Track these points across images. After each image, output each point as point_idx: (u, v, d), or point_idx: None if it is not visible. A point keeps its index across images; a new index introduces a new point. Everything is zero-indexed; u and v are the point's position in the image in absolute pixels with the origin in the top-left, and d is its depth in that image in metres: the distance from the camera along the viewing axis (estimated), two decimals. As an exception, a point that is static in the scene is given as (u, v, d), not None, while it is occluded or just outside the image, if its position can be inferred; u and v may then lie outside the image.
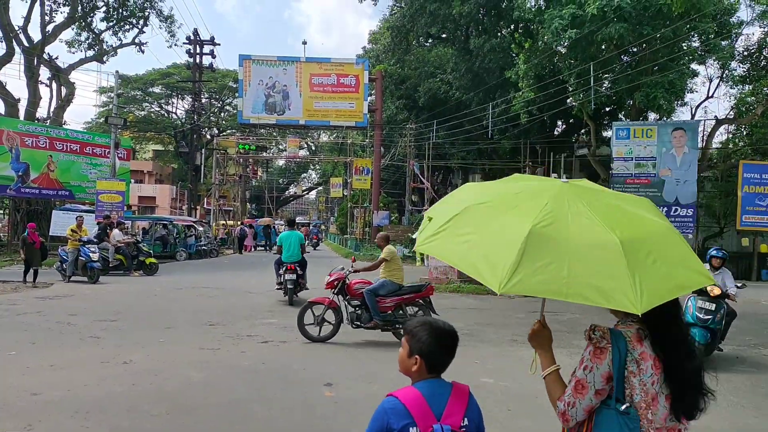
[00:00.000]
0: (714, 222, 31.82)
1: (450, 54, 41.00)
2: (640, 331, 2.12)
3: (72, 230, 15.90)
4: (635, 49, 28.14)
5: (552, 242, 1.95)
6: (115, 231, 17.82)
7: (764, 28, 27.31)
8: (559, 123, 39.83)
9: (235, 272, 21.02)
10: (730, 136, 33.01)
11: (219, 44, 32.22)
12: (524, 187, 2.32)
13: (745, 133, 31.91)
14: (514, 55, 33.69)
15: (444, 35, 39.15)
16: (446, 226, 2.20)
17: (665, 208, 27.49)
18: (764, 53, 28.24)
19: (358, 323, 8.97)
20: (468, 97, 36.39)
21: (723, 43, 28.21)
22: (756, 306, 16.14)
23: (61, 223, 22.68)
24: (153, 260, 18.56)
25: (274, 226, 40.74)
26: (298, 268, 13.05)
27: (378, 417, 2.07)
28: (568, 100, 32.61)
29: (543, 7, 28.10)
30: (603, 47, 27.70)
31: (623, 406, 2.08)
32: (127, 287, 15.13)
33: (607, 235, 1.97)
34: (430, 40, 43.09)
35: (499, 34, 35.59)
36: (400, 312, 9.10)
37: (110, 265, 17.64)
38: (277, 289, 13.66)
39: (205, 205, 46.26)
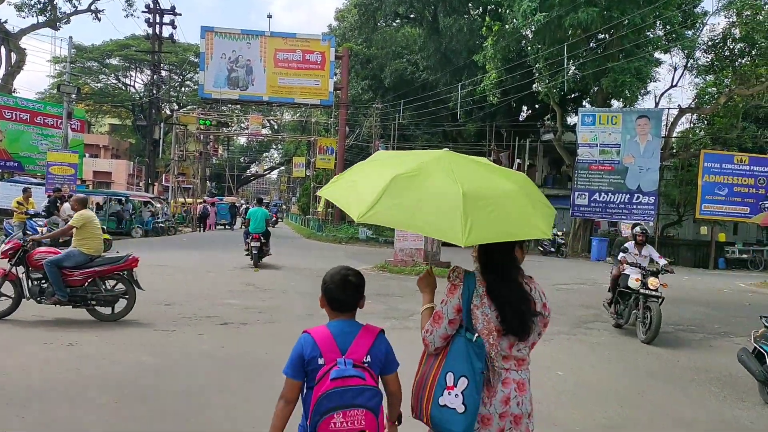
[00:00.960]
0: (673, 210, 32.30)
1: (418, 34, 40.49)
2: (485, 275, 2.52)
3: (18, 202, 14.97)
4: (603, 36, 28.11)
5: (409, 188, 2.42)
6: (66, 205, 16.88)
7: (729, 18, 27.51)
8: (525, 108, 39.83)
9: (193, 250, 20.29)
10: (692, 125, 33.43)
11: (180, 14, 31.03)
12: (417, 153, 2.79)
13: (705, 122, 32.36)
14: (482, 37, 33.41)
15: (412, 15, 38.56)
16: (342, 177, 2.81)
17: (628, 195, 27.72)
18: (728, 44, 28.46)
19: (41, 298, 8.01)
20: (435, 78, 36.01)
21: (688, 33, 28.44)
22: (719, 294, 16.25)
23: (8, 195, 21.51)
24: (106, 236, 17.68)
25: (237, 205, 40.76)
26: (262, 238, 15.72)
27: (296, 348, 2.41)
28: (534, 85, 32.51)
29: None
30: (571, 32, 27.57)
31: (474, 336, 2.42)
32: (77, 264, 14.35)
33: (454, 187, 2.41)
34: (397, 20, 42.46)
35: (467, 15, 35.18)
36: (95, 287, 8.15)
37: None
38: (246, 254, 16.10)
39: (163, 182, 44.93)
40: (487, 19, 29.73)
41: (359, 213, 2.36)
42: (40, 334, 7.23)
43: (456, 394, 2.39)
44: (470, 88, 31.27)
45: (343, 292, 2.51)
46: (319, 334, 2.42)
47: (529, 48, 31.00)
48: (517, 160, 36.89)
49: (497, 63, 28.21)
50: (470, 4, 35.68)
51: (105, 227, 18.48)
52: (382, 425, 2.42)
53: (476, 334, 2.43)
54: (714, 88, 30.14)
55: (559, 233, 28.08)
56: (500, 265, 2.54)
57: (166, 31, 33.97)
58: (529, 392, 2.55)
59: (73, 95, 23.07)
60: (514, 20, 28.64)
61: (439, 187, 2.47)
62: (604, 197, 27.99)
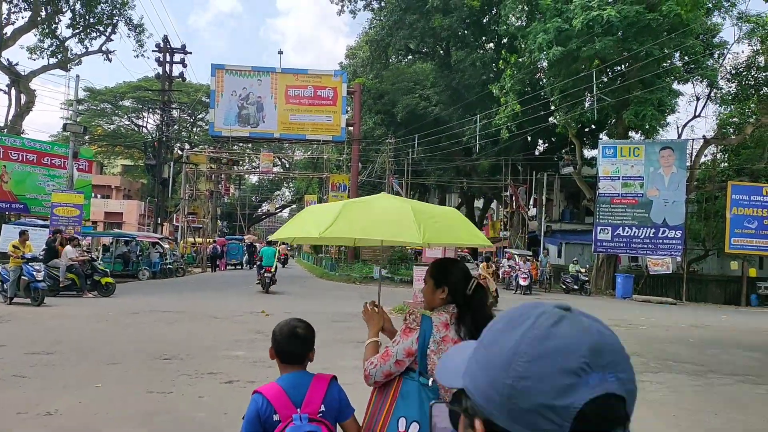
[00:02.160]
0: (696, 245, 31.04)
1: (429, 69, 40.10)
2: (449, 320, 2.52)
3: (14, 246, 14.14)
4: (620, 67, 27.41)
5: (361, 208, 2.87)
6: (68, 248, 16.09)
7: (753, 46, 26.77)
8: (540, 142, 39.06)
9: (201, 293, 19.36)
10: (714, 157, 32.38)
11: (190, 53, 30.76)
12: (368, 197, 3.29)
13: (729, 153, 31.33)
14: (495, 70, 32.84)
15: (424, 50, 38.23)
16: (291, 221, 3.28)
17: (653, 230, 26.61)
18: (752, 72, 27.68)
19: None
20: (447, 113, 35.43)
21: (709, 62, 27.67)
22: (758, 334, 14.99)
23: (12, 238, 20.77)
24: (109, 280, 16.83)
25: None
26: (272, 270, 20.12)
27: (249, 409, 2.37)
28: (552, 118, 31.77)
29: (527, 22, 27.25)
30: (587, 64, 26.91)
31: (429, 381, 2.44)
32: (75, 311, 13.44)
33: (402, 204, 2.91)
34: (409, 56, 42.21)
35: (480, 49, 34.73)
36: None
37: (60, 285, 15.91)
38: (257, 283, 20.68)
39: (174, 222, 44.30)
40: (503, 52, 29.16)
41: (319, 231, 2.61)
42: (15, 400, 6.26)
43: None
44: (484, 122, 30.56)
45: (292, 345, 2.51)
46: (270, 391, 2.41)
47: (544, 81, 30.37)
48: (534, 195, 35.95)
49: (514, 96, 27.50)
50: (483, 38, 35.26)
51: (108, 270, 17.66)
52: None
53: (431, 379, 2.42)
54: (736, 119, 29.25)
55: (582, 270, 26.90)
56: (479, 312, 2.53)
57: (177, 70, 33.73)
58: None
59: (81, 134, 22.47)
60: (529, 53, 28.09)
61: (388, 206, 2.85)
62: (628, 231, 26.89)
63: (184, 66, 33.35)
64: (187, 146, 52.17)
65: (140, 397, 6.58)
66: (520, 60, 28.81)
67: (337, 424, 2.47)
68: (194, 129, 59.70)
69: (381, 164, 36.34)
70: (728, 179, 29.27)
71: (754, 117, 27.80)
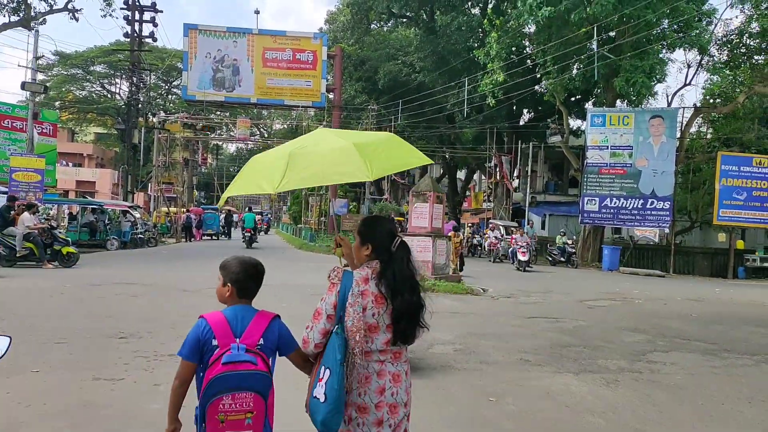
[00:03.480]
0: (680, 216, 30.53)
1: (413, 35, 38.77)
2: (370, 274, 2.61)
3: (-38, 212, 12.93)
4: (612, 33, 26.41)
5: (306, 155, 2.82)
6: (24, 215, 14.87)
7: (745, 12, 25.88)
8: (525, 111, 38.09)
9: (172, 264, 18.26)
10: (699, 127, 31.72)
11: (161, 11, 29.09)
12: (295, 140, 3.18)
13: (714, 124, 30.68)
14: (482, 35, 31.65)
15: (407, 14, 36.83)
16: (239, 176, 3.11)
17: (641, 201, 25.93)
18: (743, 39, 26.84)
19: None
20: (431, 79, 34.25)
21: (699, 30, 26.75)
22: (759, 308, 14.35)
23: (-31, 205, 19.40)
24: (71, 249, 15.65)
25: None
26: (252, 231, 25.47)
27: (192, 331, 2.53)
28: (540, 84, 30.79)
29: (515, -17, 26.06)
30: (579, 29, 25.89)
31: (336, 328, 2.54)
32: (29, 282, 12.31)
33: (344, 143, 2.86)
34: (391, 21, 40.74)
35: (466, 13, 33.46)
36: None
37: (17, 255, 14.74)
38: (243, 241, 25.96)
39: (149, 191, 42.84)
40: (489, 11, 27.92)
41: (273, 187, 2.68)
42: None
43: (321, 385, 2.49)
44: (465, 88, 29.49)
45: (252, 279, 2.68)
46: (214, 318, 2.52)
47: (532, 47, 29.30)
48: (519, 167, 35.16)
49: (500, 62, 26.41)
50: (470, 2, 33.96)
51: (69, 239, 16.49)
52: (271, 407, 2.53)
53: (338, 326, 2.55)
54: (724, 88, 28.51)
55: (569, 241, 26.22)
56: (399, 269, 2.65)
57: (147, 29, 31.94)
58: (404, 382, 2.66)
59: (41, 93, 20.96)
60: (517, 17, 26.94)
61: (330, 148, 2.89)
62: (615, 203, 26.20)
63: (155, 25, 31.59)
64: (162, 114, 50.40)
65: (84, 383, 5.59)
66: (508, 25, 27.68)
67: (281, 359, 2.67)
68: (169, 96, 57.79)
69: (363, 131, 35.18)
70: (716, 150, 28.68)
71: (743, 85, 27.06)
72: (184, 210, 35.82)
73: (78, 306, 9.81)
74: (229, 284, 2.63)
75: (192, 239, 32.75)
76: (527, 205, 32.59)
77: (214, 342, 2.45)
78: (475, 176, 44.58)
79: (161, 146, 34.77)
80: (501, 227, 26.71)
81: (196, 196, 60.09)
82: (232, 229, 40.63)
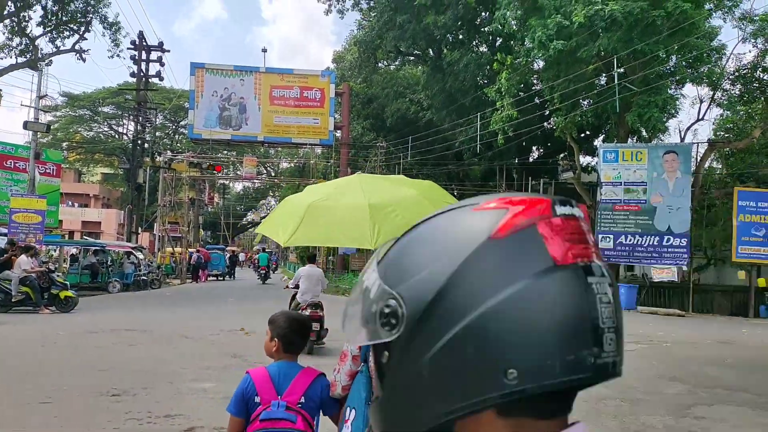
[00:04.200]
0: (695, 253, 29.71)
1: (420, 73, 38.75)
2: None
3: (-45, 256, 12.37)
4: (621, 70, 26.13)
5: (323, 210, 2.82)
6: (21, 258, 14.30)
7: (758, 46, 25.57)
8: (535, 147, 37.71)
9: (174, 308, 17.59)
10: (714, 162, 31.16)
11: (168, 50, 29.03)
12: (335, 181, 3.41)
13: (728, 159, 30.12)
14: (489, 72, 31.47)
15: (415, 52, 36.85)
16: (274, 211, 3.39)
17: (657, 237, 25.19)
18: (756, 74, 26.48)
19: None
20: (439, 116, 34.01)
21: (709, 65, 26.45)
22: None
23: (-32, 247, 18.87)
24: (69, 293, 15.03)
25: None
26: (267, 269, 27.62)
27: (239, 386, 2.58)
28: (548, 122, 30.47)
29: (523, 21, 25.93)
30: (589, 64, 25.64)
31: (364, 366, 2.45)
32: (23, 329, 11.68)
33: (362, 200, 2.81)
34: (399, 59, 40.79)
35: (475, 49, 33.39)
36: None
37: (13, 300, 14.13)
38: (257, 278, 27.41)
39: (155, 231, 42.44)
40: (499, 54, 27.77)
41: (284, 239, 2.79)
42: None
43: (347, 426, 2.43)
44: (478, 124, 29.17)
45: (298, 334, 2.70)
46: (258, 374, 2.57)
47: (541, 83, 29.05)
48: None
49: (510, 99, 26.09)
50: (477, 39, 33.90)
51: (67, 283, 15.91)
52: None
53: (363, 365, 2.48)
54: (735, 123, 28.06)
55: (590, 281, 25.36)
56: None
57: (154, 69, 31.91)
58: None
59: (44, 133, 20.65)
60: (526, 53, 26.74)
61: (349, 204, 2.85)
62: (631, 240, 25.47)
63: (162, 65, 31.55)
64: (168, 153, 50.37)
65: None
66: (516, 61, 27.48)
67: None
68: (176, 136, 57.93)
69: (371, 169, 34.81)
70: (728, 185, 28.08)
71: (757, 119, 26.60)
72: (186, 251, 35.27)
73: (71, 356, 9.14)
74: (276, 339, 2.67)
75: (198, 280, 32.12)
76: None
77: (257, 398, 2.50)
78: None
79: (167, 185, 34.43)
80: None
81: (202, 235, 59.69)
82: (237, 269, 40.06)
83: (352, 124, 34.87)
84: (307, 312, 10.85)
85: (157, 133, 43.66)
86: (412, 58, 39.31)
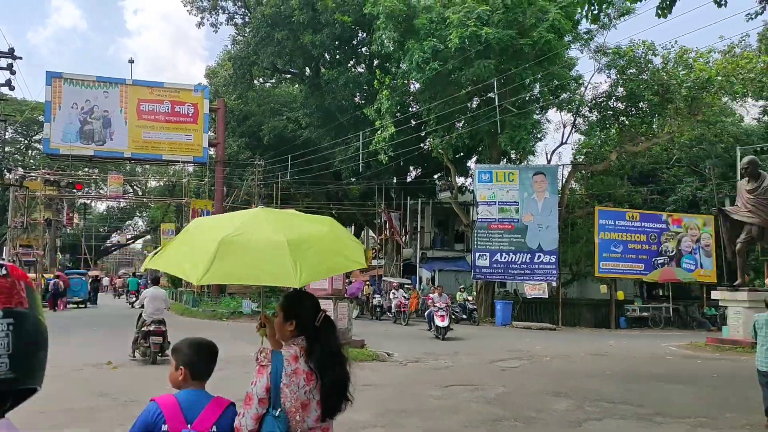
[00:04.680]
0: (563, 269, 31.47)
1: (298, 90, 38.33)
2: (298, 352, 2.61)
3: None
4: (493, 95, 27.25)
5: (238, 246, 2.68)
6: None
7: (612, 77, 27.65)
8: (412, 168, 38.40)
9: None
10: (575, 183, 33.24)
11: (20, 57, 26.31)
12: (235, 214, 3.17)
13: (588, 180, 32.25)
14: (367, 92, 31.73)
15: (292, 70, 36.39)
16: (169, 245, 3.03)
17: (529, 255, 26.37)
18: (611, 102, 28.60)
19: None
20: (318, 135, 33.72)
21: (568, 93, 28.28)
22: (667, 362, 14.41)
23: None
24: None
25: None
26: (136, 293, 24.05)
27: (142, 415, 2.46)
28: (425, 142, 31.11)
29: (400, 43, 26.36)
30: (463, 88, 26.52)
31: (277, 411, 2.51)
32: None
33: (278, 237, 2.73)
34: (275, 76, 40.12)
35: (353, 69, 33.54)
36: None
37: None
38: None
39: (5, 255, 38.38)
40: (377, 73, 28.03)
41: (197, 277, 2.61)
42: None
43: None
44: (360, 143, 29.21)
45: (205, 358, 2.64)
46: (165, 402, 2.46)
47: (417, 105, 29.64)
48: (414, 224, 35.08)
49: (390, 119, 26.35)
50: (354, 59, 34.08)
51: None
52: None
53: (279, 410, 2.51)
54: (590, 148, 30.01)
55: (470, 297, 25.94)
56: (326, 343, 2.66)
57: (3, 77, 28.92)
58: None
59: None
60: (404, 74, 27.21)
61: (264, 241, 2.75)
62: (505, 257, 26.48)
63: (13, 73, 28.67)
64: (20, 169, 46.06)
65: None
66: (393, 82, 27.88)
67: None
68: (29, 152, 53.28)
69: (248, 188, 33.73)
70: (589, 205, 30.06)
71: (611, 144, 28.68)
72: (50, 275, 32.21)
73: None
74: (182, 367, 2.59)
75: (56, 308, 29.27)
76: (418, 261, 32.34)
77: (165, 427, 2.40)
78: (363, 233, 44.14)
79: (19, 205, 31.29)
80: (396, 284, 25.94)
81: (60, 259, 55.00)
82: (99, 294, 37.16)
83: (227, 142, 33.67)
84: (152, 328, 11.79)
85: (7, 148, 39.78)
86: (288, 75, 38.81)
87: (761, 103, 35.04)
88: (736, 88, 25.33)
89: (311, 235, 2.91)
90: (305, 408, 2.56)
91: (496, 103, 23.64)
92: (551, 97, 27.35)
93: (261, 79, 40.72)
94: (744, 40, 29.94)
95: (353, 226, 43.25)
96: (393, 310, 23.91)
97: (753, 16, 12.80)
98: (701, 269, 28.08)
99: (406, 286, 25.05)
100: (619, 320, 27.42)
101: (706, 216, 28.70)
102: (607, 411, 8.29)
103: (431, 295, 19.15)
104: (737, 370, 12.29)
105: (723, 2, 10.99)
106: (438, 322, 17.51)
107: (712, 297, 19.14)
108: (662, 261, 27.68)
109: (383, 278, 30.60)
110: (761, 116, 36.39)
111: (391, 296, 24.19)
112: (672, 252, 27.85)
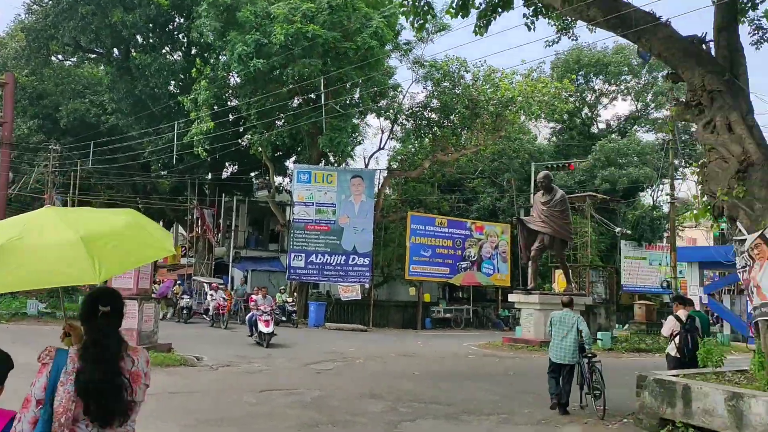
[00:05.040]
0: (375, 271, 32.41)
1: (104, 73, 35.18)
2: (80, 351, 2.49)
3: None
4: (313, 95, 27.26)
5: (23, 251, 2.50)
6: None
7: (429, 88, 29.02)
8: (228, 163, 37.10)
9: None
10: (389, 189, 34.41)
11: None
12: (17, 218, 2.90)
13: (403, 186, 33.58)
14: (185, 80, 30.02)
15: (98, 50, 33.29)
16: None
17: (344, 257, 26.71)
18: (426, 113, 30.02)
19: None
20: (126, 123, 31.21)
21: (385, 101, 29.26)
22: (468, 360, 15.29)
23: None
24: None
25: None
26: None
27: None
28: (245, 138, 30.20)
29: (222, 33, 25.36)
30: (286, 85, 26.20)
31: (45, 413, 2.37)
32: None
33: (70, 236, 2.54)
34: (78, 54, 36.42)
35: (169, 55, 31.55)
36: None
37: None
38: None
39: None
40: (198, 62, 26.60)
41: None
42: None
43: None
44: (172, 135, 27.53)
45: None
46: None
47: (237, 99, 28.66)
48: (228, 222, 33.84)
49: (207, 111, 25.14)
50: (171, 45, 32.06)
51: None
52: None
53: (41, 409, 2.39)
54: (403, 155, 31.22)
55: (290, 299, 25.47)
56: (99, 343, 2.52)
57: None
58: None
59: None
60: (225, 66, 26.18)
61: (53, 241, 2.56)
62: (321, 259, 26.55)
63: None
64: None
65: None
66: (214, 73, 26.71)
67: None
68: None
69: (39, 175, 30.19)
70: (402, 210, 31.29)
71: (425, 153, 30.06)
72: None
73: None
74: None
75: None
76: (231, 260, 31.27)
77: None
78: (172, 230, 41.75)
79: None
80: (205, 285, 24.75)
81: None
82: None
83: (15, 122, 29.84)
84: None
85: None
86: (93, 55, 35.45)
87: (551, 124, 39.20)
88: (534, 109, 27.90)
89: (111, 230, 2.79)
90: (86, 411, 2.45)
91: (322, 103, 23.61)
92: (371, 103, 28.00)
93: (60, 56, 36.77)
94: (540, 66, 33.24)
95: (161, 222, 40.75)
96: (211, 313, 22.13)
97: (551, 44, 13.98)
98: (498, 274, 30.47)
99: (219, 285, 23.98)
100: (425, 321, 28.77)
101: (504, 224, 31.33)
102: (419, 411, 8.49)
103: (254, 297, 17.15)
104: (529, 367, 13.39)
105: (533, 26, 11.95)
106: (262, 327, 15.56)
107: (509, 300, 20.84)
108: (465, 265, 29.56)
109: (194, 277, 29.14)
110: (551, 137, 40.71)
111: (209, 298, 22.58)
112: (474, 257, 29.85)
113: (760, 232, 7.47)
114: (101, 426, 2.47)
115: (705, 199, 9.00)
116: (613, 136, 36.91)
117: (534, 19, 12.42)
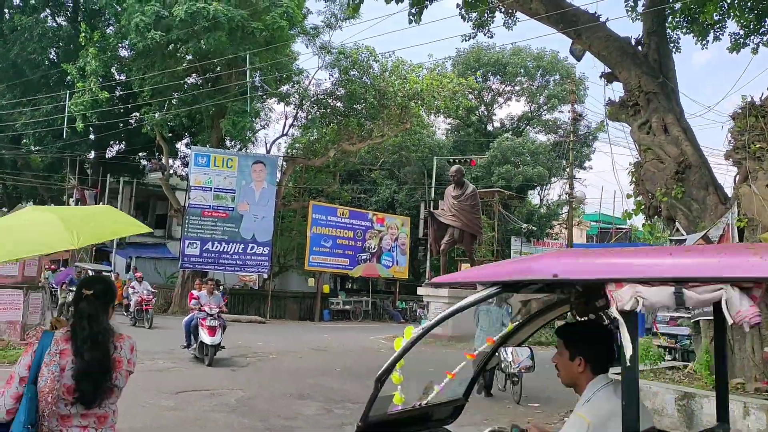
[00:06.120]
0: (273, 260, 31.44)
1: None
2: (69, 333, 2.60)
3: None
4: (212, 74, 25.82)
5: (5, 230, 2.89)
6: None
7: (335, 75, 28.31)
8: (113, 141, 34.38)
9: None
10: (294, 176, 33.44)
11: None
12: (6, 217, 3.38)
13: (305, 174, 32.76)
14: (68, 48, 27.34)
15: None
16: None
17: (242, 245, 25.54)
18: (331, 101, 29.33)
19: None
20: (-3, 90, 28.03)
21: (289, 86, 28.35)
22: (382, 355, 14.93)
23: None
24: None
25: None
26: None
27: None
28: (135, 115, 28.11)
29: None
30: (184, 62, 24.64)
31: (30, 391, 2.47)
32: None
33: (49, 216, 2.96)
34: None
35: (50, 18, 28.67)
36: None
37: None
38: None
39: None
40: (84, 26, 24.25)
41: None
42: None
43: None
44: (51, 107, 25.09)
45: None
46: None
47: (128, 72, 26.48)
48: (111, 204, 31.37)
49: (97, 81, 23.02)
50: (52, 9, 29.08)
51: None
52: None
53: (26, 387, 2.48)
54: (308, 142, 30.52)
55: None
56: (80, 325, 2.61)
57: None
58: None
59: None
60: (119, 35, 24.13)
61: (35, 220, 2.93)
62: (217, 246, 25.23)
63: None
64: None
65: None
66: (104, 43, 24.54)
67: None
68: None
69: None
70: (303, 199, 30.53)
71: (331, 141, 29.39)
72: None
73: None
74: None
75: None
76: (115, 246, 29.07)
77: None
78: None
79: None
80: (90, 271, 22.67)
81: None
82: None
83: None
84: None
85: None
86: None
87: (449, 120, 39.75)
88: (437, 104, 28.02)
89: (85, 213, 3.27)
90: (69, 392, 2.52)
91: (225, 85, 22.27)
92: (275, 87, 26.92)
93: None
94: (445, 62, 33.50)
95: (33, 202, 37.20)
96: (132, 309, 18.91)
97: (467, 38, 13.62)
98: (397, 266, 30.45)
99: (104, 273, 22.08)
100: (323, 313, 28.22)
101: (404, 217, 31.38)
102: (356, 413, 7.95)
103: (195, 293, 12.63)
104: (442, 362, 13.21)
105: (468, 17, 11.71)
106: (205, 336, 11.24)
107: (418, 293, 20.75)
108: (365, 257, 29.29)
109: (77, 264, 26.72)
110: (447, 132, 41.26)
111: (131, 291, 19.70)
112: (374, 249, 29.61)
113: (702, 233, 7.61)
114: (86, 407, 2.58)
115: (639, 198, 9.14)
116: (507, 135, 38.02)
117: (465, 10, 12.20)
